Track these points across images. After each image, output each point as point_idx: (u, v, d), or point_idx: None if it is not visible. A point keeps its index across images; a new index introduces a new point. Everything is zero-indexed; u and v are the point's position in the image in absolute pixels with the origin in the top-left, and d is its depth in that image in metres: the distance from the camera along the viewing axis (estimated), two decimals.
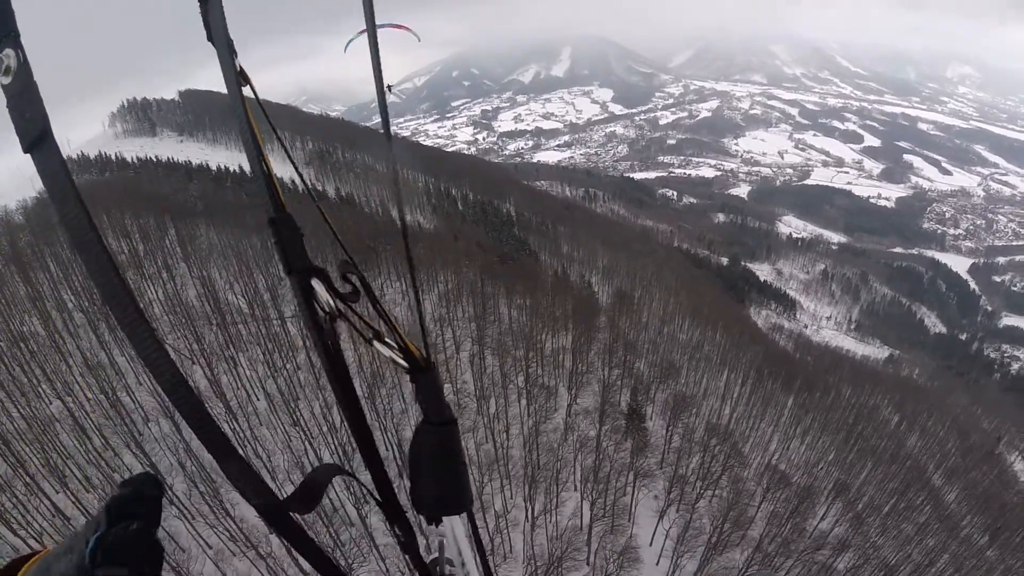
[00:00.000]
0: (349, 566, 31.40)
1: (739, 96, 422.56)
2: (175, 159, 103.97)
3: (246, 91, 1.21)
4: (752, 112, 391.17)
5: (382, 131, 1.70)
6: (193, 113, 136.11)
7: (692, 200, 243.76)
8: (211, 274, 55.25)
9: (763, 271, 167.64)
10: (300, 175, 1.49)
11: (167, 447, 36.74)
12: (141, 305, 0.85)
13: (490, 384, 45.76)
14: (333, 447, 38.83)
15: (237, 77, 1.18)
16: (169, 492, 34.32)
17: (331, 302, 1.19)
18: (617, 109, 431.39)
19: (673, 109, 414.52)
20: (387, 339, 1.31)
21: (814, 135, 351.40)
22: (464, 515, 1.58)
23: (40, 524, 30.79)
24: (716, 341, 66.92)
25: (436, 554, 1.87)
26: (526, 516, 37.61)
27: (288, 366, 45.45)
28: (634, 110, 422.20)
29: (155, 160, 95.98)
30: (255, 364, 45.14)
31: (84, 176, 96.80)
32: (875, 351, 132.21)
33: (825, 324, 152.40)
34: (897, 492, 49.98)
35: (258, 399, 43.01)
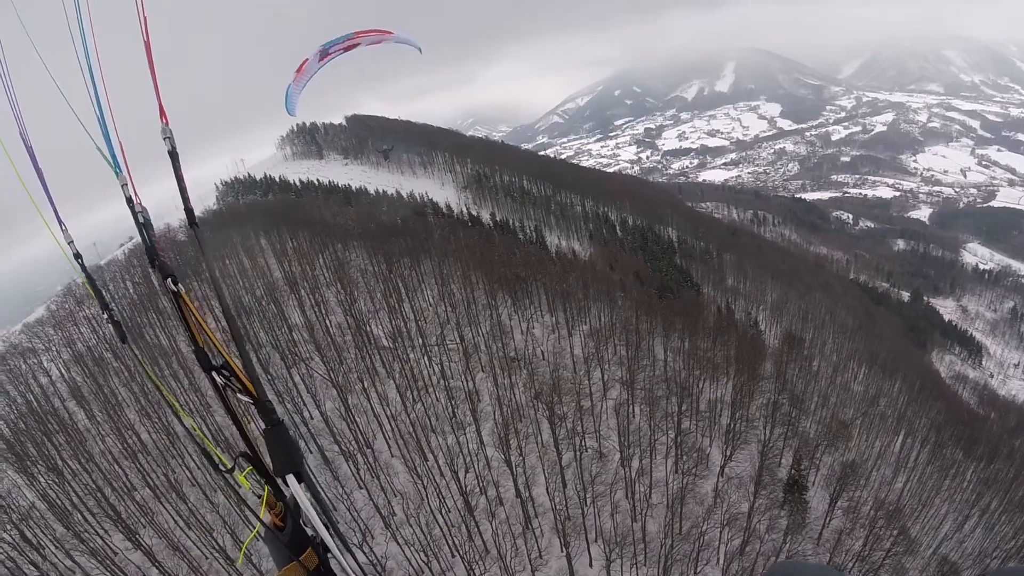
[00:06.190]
0: None
1: (915, 108, 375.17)
2: (336, 182, 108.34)
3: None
4: (930, 125, 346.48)
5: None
6: (357, 137, 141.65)
7: (869, 224, 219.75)
8: (358, 301, 55.19)
9: (947, 308, 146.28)
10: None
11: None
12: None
13: (636, 438, 41.18)
14: (453, 500, 36.33)
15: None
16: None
17: (220, 380, 2.65)
18: (786, 124, 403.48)
19: (845, 123, 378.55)
20: (242, 394, 2.66)
21: (998, 150, 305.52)
22: (302, 479, 2.68)
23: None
24: (892, 395, 57.78)
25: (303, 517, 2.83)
26: None
27: (418, 405, 43.73)
28: (804, 125, 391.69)
29: (317, 183, 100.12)
30: (386, 399, 43.84)
31: (249, 197, 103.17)
32: None
33: (1012, 372, 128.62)
34: None
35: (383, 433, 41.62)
